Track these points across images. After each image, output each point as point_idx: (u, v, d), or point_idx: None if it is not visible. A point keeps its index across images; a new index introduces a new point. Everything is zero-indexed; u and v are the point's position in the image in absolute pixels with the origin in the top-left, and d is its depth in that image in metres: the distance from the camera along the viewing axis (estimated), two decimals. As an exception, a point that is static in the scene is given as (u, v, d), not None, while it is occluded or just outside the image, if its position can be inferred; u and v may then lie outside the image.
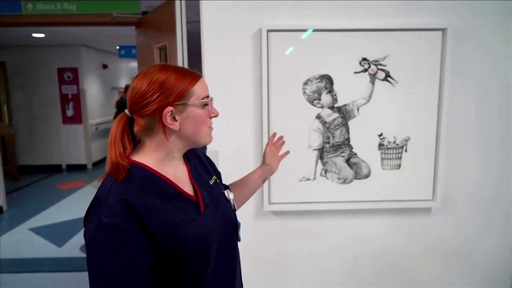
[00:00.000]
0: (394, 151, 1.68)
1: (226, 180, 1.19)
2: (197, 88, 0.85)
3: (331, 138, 1.66)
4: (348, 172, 1.69)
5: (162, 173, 0.86)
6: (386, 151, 1.68)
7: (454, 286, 1.83)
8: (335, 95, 1.63)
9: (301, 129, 1.65)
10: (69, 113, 6.65)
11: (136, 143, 0.90)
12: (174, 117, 0.84)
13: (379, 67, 1.62)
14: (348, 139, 1.67)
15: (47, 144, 6.65)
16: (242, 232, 1.05)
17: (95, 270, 0.76)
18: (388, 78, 1.63)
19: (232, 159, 1.64)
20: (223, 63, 1.61)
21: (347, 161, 1.68)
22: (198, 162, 1.01)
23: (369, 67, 1.61)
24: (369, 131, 1.66)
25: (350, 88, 1.62)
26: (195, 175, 0.93)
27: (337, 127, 1.66)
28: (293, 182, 1.68)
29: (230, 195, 1.01)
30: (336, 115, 1.65)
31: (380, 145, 1.67)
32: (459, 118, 1.68)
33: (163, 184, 0.85)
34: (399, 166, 1.69)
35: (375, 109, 1.64)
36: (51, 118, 6.61)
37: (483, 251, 1.81)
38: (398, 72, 1.62)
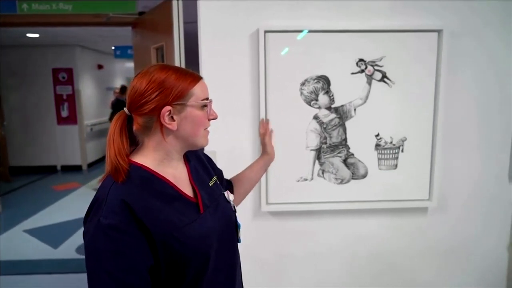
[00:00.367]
0: (391, 151, 1.69)
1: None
2: (197, 89, 0.85)
3: (328, 138, 1.67)
4: (345, 172, 1.70)
5: (162, 174, 0.86)
6: (383, 151, 1.69)
7: (450, 285, 1.84)
8: (332, 95, 1.64)
9: (299, 129, 1.65)
10: (64, 113, 6.61)
11: (135, 144, 0.90)
12: (172, 117, 0.84)
13: (376, 68, 1.63)
14: (345, 140, 1.67)
15: (42, 145, 6.61)
16: (240, 233, 1.05)
17: (93, 270, 0.76)
18: (385, 79, 1.64)
19: (229, 159, 1.64)
20: (220, 64, 1.61)
21: (344, 161, 1.69)
22: (198, 162, 1.01)
23: (366, 68, 1.62)
24: (366, 132, 1.67)
25: (347, 88, 1.63)
26: (194, 176, 0.93)
27: (334, 127, 1.66)
28: (290, 183, 1.68)
29: (230, 196, 1.01)
30: (333, 115, 1.65)
31: (377, 146, 1.68)
32: (455, 119, 1.70)
33: (162, 185, 0.85)
34: (395, 166, 1.70)
35: (372, 109, 1.65)
36: (45, 119, 6.57)
37: (478, 251, 1.83)
38: (395, 73, 1.63)
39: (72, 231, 3.88)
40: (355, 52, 1.61)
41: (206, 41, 1.60)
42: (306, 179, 1.69)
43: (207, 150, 1.57)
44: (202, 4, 1.57)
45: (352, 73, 1.63)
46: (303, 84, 1.62)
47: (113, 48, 6.40)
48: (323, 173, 1.69)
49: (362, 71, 1.63)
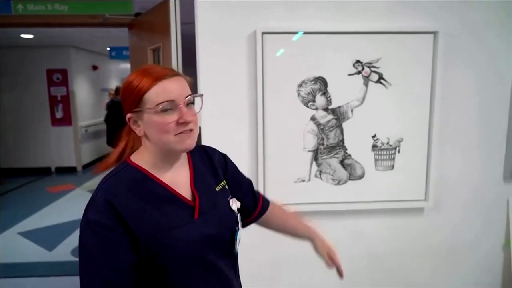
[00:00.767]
0: (388, 152, 1.70)
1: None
2: (151, 94, 0.81)
3: (325, 139, 1.68)
4: (343, 173, 1.70)
5: (157, 176, 0.86)
6: (379, 152, 1.70)
7: (446, 285, 1.86)
8: (329, 97, 1.64)
9: (296, 130, 1.66)
10: (58, 114, 6.56)
11: None
12: (137, 123, 0.85)
13: (373, 69, 1.64)
14: (342, 141, 1.68)
15: (36, 147, 6.55)
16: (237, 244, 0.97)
17: (81, 264, 0.80)
18: (381, 80, 1.65)
19: (227, 161, 1.64)
20: (218, 65, 1.61)
21: (341, 162, 1.70)
22: (207, 164, 0.97)
23: (363, 69, 1.63)
24: (363, 133, 1.68)
25: (344, 90, 1.64)
26: (197, 179, 0.91)
27: (331, 128, 1.67)
28: (288, 184, 1.69)
29: (234, 204, 0.96)
30: (330, 116, 1.66)
31: (374, 146, 1.69)
32: (451, 120, 1.71)
33: (155, 186, 0.85)
34: (392, 167, 1.71)
35: (369, 110, 1.66)
36: (39, 120, 6.51)
37: (474, 250, 1.84)
38: (391, 74, 1.64)
39: (67, 233, 3.84)
40: (352, 54, 1.62)
41: (204, 43, 1.60)
42: (304, 180, 1.69)
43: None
44: (199, 5, 1.57)
45: (349, 75, 1.64)
46: (300, 85, 1.63)
47: (108, 49, 6.37)
48: (320, 174, 1.70)
49: (359, 72, 1.64)
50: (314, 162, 1.69)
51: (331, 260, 1.15)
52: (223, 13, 1.58)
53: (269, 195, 1.68)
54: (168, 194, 0.86)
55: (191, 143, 0.85)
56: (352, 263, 1.80)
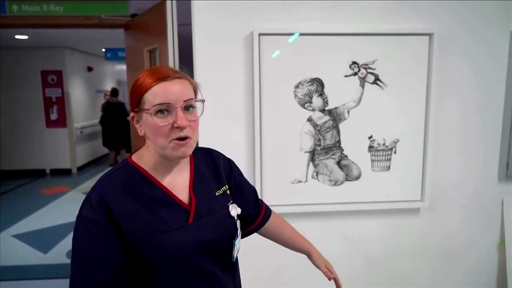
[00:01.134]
0: (384, 153, 1.71)
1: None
2: (149, 94, 0.79)
3: (322, 140, 1.68)
4: (339, 174, 1.71)
5: (156, 177, 0.85)
6: (376, 153, 1.71)
7: (442, 285, 1.87)
8: (326, 98, 1.65)
9: (293, 131, 1.66)
10: (53, 116, 6.52)
11: None
12: (138, 122, 0.85)
13: (369, 70, 1.65)
14: (339, 142, 1.69)
15: (30, 148, 6.49)
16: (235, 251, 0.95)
17: (72, 256, 0.81)
18: (378, 82, 1.66)
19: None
20: (214, 66, 1.62)
21: (338, 163, 1.70)
22: (210, 168, 0.96)
23: (359, 70, 1.64)
24: (359, 134, 1.69)
25: (340, 91, 1.65)
26: (197, 183, 0.90)
27: (328, 129, 1.68)
28: (285, 184, 1.69)
29: (234, 210, 0.93)
30: (327, 117, 1.67)
31: (370, 147, 1.70)
32: (446, 120, 1.73)
33: (152, 188, 0.84)
34: (388, 167, 1.72)
35: (365, 111, 1.67)
36: (34, 122, 6.46)
37: (469, 250, 1.86)
38: (387, 75, 1.65)
39: (62, 236, 3.81)
40: (348, 55, 1.63)
41: (200, 43, 1.60)
42: (301, 181, 1.70)
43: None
44: (196, 6, 1.57)
45: (346, 76, 1.65)
46: (297, 86, 1.63)
47: (103, 50, 6.35)
48: (317, 175, 1.70)
49: (355, 73, 1.65)
50: (311, 163, 1.69)
51: (328, 272, 1.14)
52: (220, 14, 1.58)
53: (266, 196, 1.69)
54: (165, 197, 0.85)
55: (186, 151, 0.82)
56: (348, 263, 1.81)
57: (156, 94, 0.79)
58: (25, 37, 5.31)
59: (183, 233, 0.84)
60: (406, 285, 1.85)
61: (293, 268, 1.79)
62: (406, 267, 1.84)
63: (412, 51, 1.65)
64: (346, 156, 1.70)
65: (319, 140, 1.68)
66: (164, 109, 0.79)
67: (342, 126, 1.68)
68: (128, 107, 1.00)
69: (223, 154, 1.03)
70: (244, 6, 1.58)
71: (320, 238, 1.77)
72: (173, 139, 0.80)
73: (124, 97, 7.44)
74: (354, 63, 1.64)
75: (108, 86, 8.15)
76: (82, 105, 7.10)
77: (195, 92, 0.86)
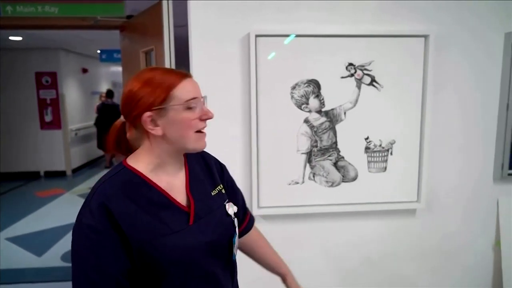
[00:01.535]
0: (380, 154, 1.72)
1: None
2: (178, 91, 0.81)
3: (318, 141, 1.68)
4: (336, 175, 1.71)
5: (154, 180, 0.84)
6: (372, 154, 1.71)
7: (438, 285, 1.88)
8: (323, 99, 1.65)
9: (289, 133, 1.66)
10: (48, 118, 6.47)
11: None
12: (155, 122, 0.82)
13: (365, 72, 1.65)
14: (335, 143, 1.69)
15: (24, 150, 6.44)
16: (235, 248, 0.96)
17: (73, 266, 0.79)
18: (374, 83, 1.66)
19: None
20: (211, 67, 1.61)
21: (335, 164, 1.71)
22: (204, 169, 0.96)
23: (355, 72, 1.65)
24: (356, 135, 1.70)
25: (337, 92, 1.65)
26: (193, 184, 0.90)
27: (324, 131, 1.68)
28: (281, 186, 1.69)
29: (230, 209, 0.94)
30: (323, 119, 1.67)
31: (367, 148, 1.71)
32: (442, 121, 1.74)
33: (151, 191, 0.83)
34: (385, 168, 1.73)
35: (362, 113, 1.67)
36: (28, 124, 6.41)
37: (465, 251, 1.86)
38: (383, 77, 1.66)
39: (57, 238, 3.78)
40: (345, 56, 1.63)
41: (197, 44, 1.59)
42: (297, 182, 1.70)
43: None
44: (192, 6, 1.57)
45: (342, 77, 1.65)
46: (293, 88, 1.64)
47: (98, 51, 6.32)
48: (314, 176, 1.70)
49: (352, 75, 1.65)
50: (307, 164, 1.69)
51: None
52: (216, 15, 1.58)
53: (263, 198, 1.68)
54: (164, 200, 0.84)
55: (204, 144, 0.87)
56: (345, 264, 1.81)
57: (186, 89, 0.82)
58: (20, 38, 5.28)
59: (185, 235, 0.83)
60: (403, 285, 1.85)
61: (294, 267, 1.79)
62: (403, 267, 1.85)
63: (408, 52, 1.66)
64: (343, 157, 1.71)
65: (316, 141, 1.68)
66: (194, 104, 0.83)
67: (338, 127, 1.68)
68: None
69: (214, 157, 1.04)
70: (241, 7, 1.58)
71: (317, 239, 1.78)
72: (198, 131, 0.84)
73: (120, 98, 7.40)
74: (350, 64, 1.64)
75: (103, 87, 8.11)
76: (77, 106, 7.06)
77: None
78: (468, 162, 1.80)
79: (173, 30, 1.76)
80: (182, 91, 0.81)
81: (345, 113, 1.67)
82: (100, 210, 0.77)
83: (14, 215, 4.49)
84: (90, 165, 7.39)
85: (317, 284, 1.81)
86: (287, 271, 1.15)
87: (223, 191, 0.98)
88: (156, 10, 1.94)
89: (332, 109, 1.67)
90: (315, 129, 1.67)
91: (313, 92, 1.65)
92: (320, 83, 1.64)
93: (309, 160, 1.69)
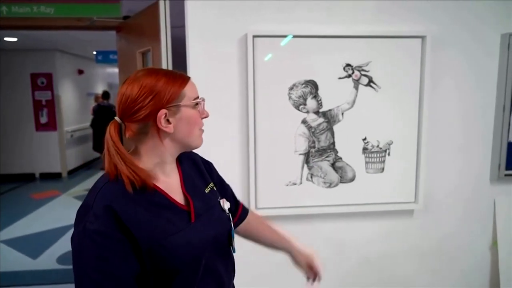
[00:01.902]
0: (378, 155, 1.72)
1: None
2: (188, 89, 0.85)
3: (316, 142, 1.68)
4: (334, 176, 1.71)
5: (152, 181, 0.83)
6: (370, 155, 1.71)
7: (435, 286, 1.88)
8: (320, 100, 1.65)
9: (287, 134, 1.66)
10: (43, 119, 6.43)
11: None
12: (168, 120, 0.83)
13: (363, 72, 1.65)
14: (333, 144, 1.69)
15: (19, 152, 6.39)
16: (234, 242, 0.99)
17: (79, 275, 0.75)
18: (371, 84, 1.67)
19: (218, 164, 1.62)
20: (208, 68, 1.61)
21: (333, 165, 1.70)
22: (193, 168, 0.98)
23: (353, 72, 1.65)
24: (354, 136, 1.69)
25: (334, 93, 1.65)
26: (187, 183, 0.91)
27: (322, 131, 1.68)
28: (279, 187, 1.68)
29: (225, 204, 0.97)
30: (321, 119, 1.67)
31: (364, 149, 1.71)
32: (439, 122, 1.74)
33: (152, 192, 0.82)
34: (382, 169, 1.73)
35: (359, 113, 1.67)
36: (23, 125, 6.37)
37: (462, 252, 1.87)
38: (381, 77, 1.66)
39: (52, 241, 3.75)
40: (342, 57, 1.63)
41: (194, 45, 1.59)
42: (295, 183, 1.69)
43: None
44: (190, 6, 1.56)
45: (340, 78, 1.65)
46: (291, 88, 1.63)
47: (94, 53, 6.29)
48: (311, 177, 1.70)
49: (349, 76, 1.65)
50: (305, 165, 1.69)
51: (310, 270, 1.17)
52: (214, 16, 1.57)
53: (260, 199, 1.68)
54: (164, 201, 0.84)
55: (202, 141, 0.91)
56: (343, 265, 1.81)
57: (193, 88, 0.87)
58: (15, 39, 5.25)
59: (190, 232, 0.84)
60: (400, 286, 1.85)
61: (292, 268, 1.78)
62: (400, 268, 1.85)
63: (406, 53, 1.66)
64: (341, 158, 1.70)
65: (314, 142, 1.68)
66: (201, 102, 0.88)
67: (336, 128, 1.68)
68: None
69: (199, 155, 1.05)
70: (238, 7, 1.58)
71: (314, 240, 1.77)
72: (200, 129, 0.89)
73: (116, 100, 7.37)
74: (348, 65, 1.64)
75: (99, 89, 8.08)
76: (73, 108, 7.02)
77: None
78: (465, 163, 1.80)
79: (170, 30, 1.75)
80: (191, 90, 0.86)
81: (342, 113, 1.67)
82: (106, 213, 0.75)
83: (9, 217, 4.45)
84: (86, 167, 7.35)
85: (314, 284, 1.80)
86: (290, 246, 1.17)
87: (215, 188, 0.99)
88: (153, 11, 1.93)
89: (330, 110, 1.66)
90: (312, 130, 1.67)
91: (310, 93, 1.64)
92: (318, 83, 1.64)
93: (306, 161, 1.68)
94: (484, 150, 1.80)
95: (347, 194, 1.72)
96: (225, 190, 1.08)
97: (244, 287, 1.70)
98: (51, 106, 6.44)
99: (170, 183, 0.87)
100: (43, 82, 6.37)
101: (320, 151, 1.69)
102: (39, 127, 6.46)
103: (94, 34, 4.57)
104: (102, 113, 6.50)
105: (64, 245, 3.64)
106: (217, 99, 1.61)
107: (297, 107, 1.64)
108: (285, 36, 1.60)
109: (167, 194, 0.85)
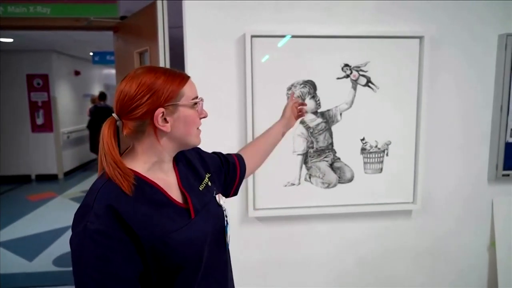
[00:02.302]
0: (376, 155, 1.72)
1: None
2: (186, 89, 0.84)
3: (315, 143, 1.68)
4: (332, 176, 1.70)
5: (152, 179, 0.84)
6: (368, 155, 1.71)
7: (434, 286, 1.87)
8: (319, 100, 1.65)
9: (286, 134, 1.65)
10: (39, 121, 6.40)
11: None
12: (165, 119, 0.82)
13: (361, 73, 1.65)
14: (331, 144, 1.69)
15: (15, 154, 6.35)
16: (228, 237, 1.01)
17: (80, 276, 0.73)
18: (369, 84, 1.66)
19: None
20: (206, 68, 1.60)
21: (331, 165, 1.70)
22: (187, 166, 0.97)
23: (351, 73, 1.65)
24: (352, 136, 1.69)
25: (333, 93, 1.65)
26: (184, 182, 0.91)
27: (320, 132, 1.67)
28: (277, 188, 1.68)
29: (221, 200, 0.99)
30: (319, 120, 1.66)
31: (363, 150, 1.70)
32: (437, 122, 1.74)
33: (152, 190, 0.82)
34: (381, 170, 1.73)
35: (357, 114, 1.67)
36: (19, 126, 6.33)
37: (460, 252, 1.87)
38: (379, 78, 1.66)
39: (49, 243, 3.72)
40: (341, 57, 1.63)
41: (192, 44, 1.58)
42: (294, 184, 1.69)
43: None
44: (187, 6, 1.55)
45: (338, 78, 1.65)
46: (289, 88, 1.63)
47: (91, 54, 6.27)
48: (310, 178, 1.69)
49: (348, 76, 1.65)
50: (303, 166, 1.68)
51: (297, 109, 1.35)
52: (212, 16, 1.57)
53: (259, 200, 1.67)
54: (163, 199, 0.84)
55: (200, 140, 0.92)
56: (341, 265, 1.80)
57: (192, 88, 0.86)
58: (10, 40, 5.21)
59: (191, 228, 0.84)
60: (399, 286, 1.85)
61: (291, 268, 1.78)
62: (399, 268, 1.84)
63: (404, 53, 1.66)
64: (339, 159, 1.70)
65: (312, 142, 1.67)
66: (199, 102, 0.88)
67: (334, 128, 1.67)
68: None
69: (191, 150, 1.03)
70: (236, 7, 1.57)
71: (313, 240, 1.77)
72: (198, 128, 0.89)
73: (112, 101, 7.34)
74: (346, 65, 1.64)
75: (96, 90, 8.05)
76: (69, 109, 6.99)
77: None
78: (463, 163, 1.80)
79: (167, 30, 1.74)
80: (190, 89, 0.85)
81: (341, 114, 1.67)
82: (107, 212, 0.74)
83: (5, 219, 4.41)
84: (82, 169, 7.31)
85: (312, 284, 1.80)
86: (279, 127, 1.32)
87: (210, 183, 0.99)
88: (150, 10, 1.93)
89: (328, 110, 1.66)
90: (311, 130, 1.66)
91: (309, 93, 1.64)
92: (316, 84, 1.64)
93: (305, 162, 1.68)
94: (482, 150, 1.81)
95: (346, 195, 1.72)
96: (217, 159, 1.10)
97: (244, 287, 1.70)
98: (47, 107, 6.40)
99: (168, 181, 0.88)
100: (39, 83, 6.34)
101: (319, 151, 1.68)
102: (35, 128, 6.42)
103: (90, 35, 4.55)
104: (99, 115, 6.47)
105: (60, 247, 3.61)
106: (216, 99, 1.60)
107: (295, 107, 1.64)
108: (283, 36, 1.60)
109: (165, 192, 0.84)
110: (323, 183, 1.70)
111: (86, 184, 6.07)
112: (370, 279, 1.83)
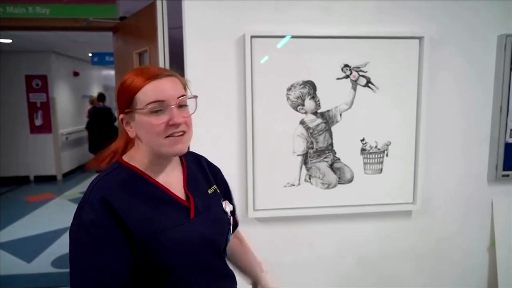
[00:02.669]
0: (376, 156, 1.71)
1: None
2: (141, 94, 0.78)
3: (314, 143, 1.67)
4: (332, 177, 1.70)
5: (151, 176, 0.84)
6: (368, 156, 1.71)
7: (434, 286, 1.87)
8: (318, 100, 1.65)
9: (285, 134, 1.65)
10: (38, 122, 6.38)
11: None
12: (129, 124, 0.83)
13: (360, 73, 1.65)
14: (331, 144, 1.68)
15: (14, 155, 6.33)
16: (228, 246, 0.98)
17: (73, 264, 0.76)
18: (369, 84, 1.66)
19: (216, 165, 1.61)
20: (206, 68, 1.60)
21: (331, 166, 1.70)
22: (198, 169, 0.97)
23: (351, 73, 1.65)
24: (352, 136, 1.69)
25: (332, 94, 1.65)
26: (190, 183, 0.90)
27: (320, 132, 1.67)
28: (277, 188, 1.67)
29: (227, 207, 0.97)
30: (319, 120, 1.66)
31: (363, 150, 1.70)
32: (437, 123, 1.74)
33: (149, 186, 0.83)
34: (380, 170, 1.72)
35: (357, 114, 1.67)
36: (18, 128, 6.31)
37: (460, 253, 1.87)
38: (379, 78, 1.66)
39: (47, 244, 3.71)
40: (340, 58, 1.63)
41: (192, 45, 1.58)
42: (293, 185, 1.68)
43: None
44: (187, 6, 1.55)
45: (338, 79, 1.65)
46: (289, 89, 1.63)
47: (90, 54, 6.26)
48: (310, 178, 1.69)
49: (347, 76, 1.65)
50: (303, 166, 1.68)
51: None
52: (212, 15, 1.57)
53: (258, 200, 1.67)
54: (163, 195, 0.84)
55: (182, 148, 0.82)
56: (341, 266, 1.80)
57: (148, 92, 0.78)
58: (9, 40, 5.21)
59: (187, 228, 0.83)
60: (398, 287, 1.85)
61: (290, 269, 1.77)
62: (398, 269, 1.84)
63: (404, 53, 1.66)
64: (339, 159, 1.70)
65: (312, 143, 1.67)
66: (158, 108, 0.78)
67: (334, 129, 1.67)
68: (115, 112, 0.98)
69: (207, 159, 1.05)
70: (236, 7, 1.57)
71: (313, 241, 1.77)
72: (169, 135, 0.79)
73: (111, 102, 7.34)
74: (346, 65, 1.64)
75: (95, 91, 8.04)
76: (68, 110, 6.98)
77: (185, 89, 0.86)
78: (463, 163, 1.80)
79: (167, 31, 1.74)
80: (144, 94, 0.78)
81: (340, 114, 1.67)
82: (101, 204, 0.75)
83: (3, 221, 4.40)
84: (81, 170, 7.29)
85: (313, 285, 1.79)
86: (257, 277, 1.10)
87: (218, 190, 0.99)
88: (150, 11, 1.92)
89: (328, 111, 1.66)
90: (311, 131, 1.66)
91: (308, 94, 1.64)
92: (316, 84, 1.63)
93: (305, 162, 1.68)
94: (482, 151, 1.80)
95: (346, 195, 1.71)
96: (230, 199, 1.05)
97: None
98: (46, 108, 6.39)
99: (170, 180, 0.87)
100: (38, 84, 6.33)
101: (318, 152, 1.68)
102: (34, 129, 6.41)
103: (89, 36, 4.54)
104: (98, 116, 6.46)
105: (59, 248, 3.60)
106: (215, 99, 1.60)
107: (295, 108, 1.64)
108: (283, 37, 1.59)
109: (167, 189, 0.85)
110: (323, 183, 1.70)
111: (85, 185, 6.00)
112: (370, 279, 1.83)
